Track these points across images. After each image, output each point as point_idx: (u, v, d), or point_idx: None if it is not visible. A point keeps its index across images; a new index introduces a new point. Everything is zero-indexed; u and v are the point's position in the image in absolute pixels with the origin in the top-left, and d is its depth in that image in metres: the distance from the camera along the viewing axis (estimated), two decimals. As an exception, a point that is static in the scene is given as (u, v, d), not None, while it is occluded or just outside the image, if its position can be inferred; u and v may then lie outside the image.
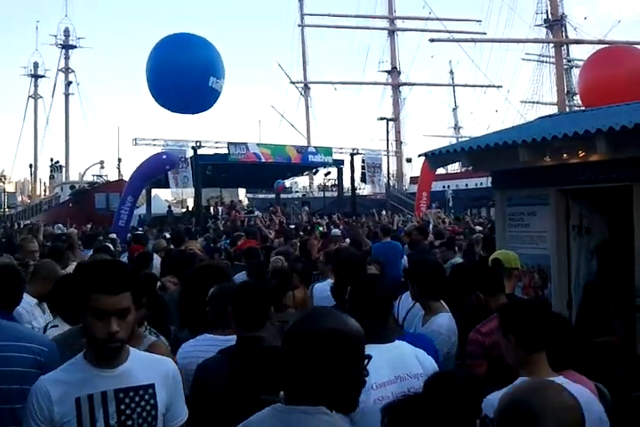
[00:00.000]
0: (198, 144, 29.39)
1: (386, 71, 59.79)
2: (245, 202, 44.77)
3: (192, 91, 16.00)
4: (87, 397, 2.14)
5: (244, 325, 2.89)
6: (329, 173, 36.99)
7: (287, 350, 1.69)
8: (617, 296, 5.41)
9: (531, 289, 6.31)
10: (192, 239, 12.25)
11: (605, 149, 5.34)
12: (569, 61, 49.23)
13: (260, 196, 48.41)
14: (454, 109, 72.27)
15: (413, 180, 41.33)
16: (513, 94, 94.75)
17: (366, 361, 1.70)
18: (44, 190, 58.37)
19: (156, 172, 21.49)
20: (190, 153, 28.87)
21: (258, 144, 32.07)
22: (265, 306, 2.98)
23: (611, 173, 5.69)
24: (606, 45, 27.56)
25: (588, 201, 6.24)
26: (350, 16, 58.31)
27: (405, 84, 59.49)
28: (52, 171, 51.62)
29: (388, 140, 36.43)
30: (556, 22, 46.06)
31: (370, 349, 2.81)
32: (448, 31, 51.05)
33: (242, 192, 49.75)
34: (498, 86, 54.13)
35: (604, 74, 17.00)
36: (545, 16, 46.78)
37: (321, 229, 17.18)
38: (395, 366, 2.64)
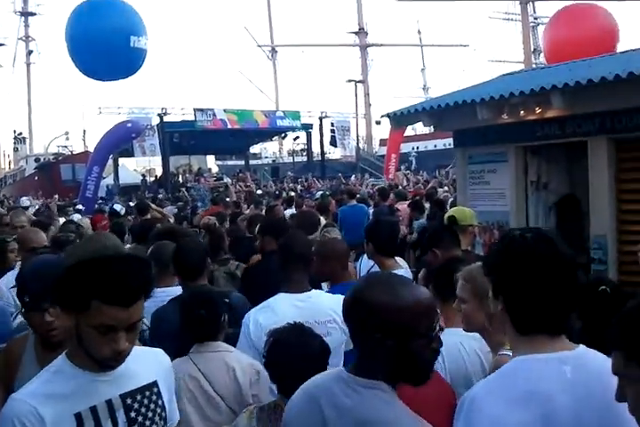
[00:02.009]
0: (164, 111, 29.01)
1: (353, 32, 59.03)
2: (215, 169, 44.35)
3: (115, 53, 15.59)
4: (89, 410, 1.74)
5: (186, 276, 3.43)
6: (298, 137, 36.84)
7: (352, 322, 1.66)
8: (573, 250, 5.53)
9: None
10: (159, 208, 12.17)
11: (561, 105, 5.39)
12: (535, 19, 49.03)
13: (230, 162, 48.00)
14: (423, 70, 71.85)
15: (383, 142, 41.26)
16: (481, 53, 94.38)
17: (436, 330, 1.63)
18: (9, 163, 57.16)
19: (121, 141, 21.17)
20: (156, 120, 28.50)
21: (225, 110, 31.70)
22: (201, 259, 3.46)
23: (567, 129, 5.75)
24: (571, 2, 27.48)
25: (546, 157, 6.32)
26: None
27: (373, 44, 58.83)
28: (15, 143, 50.43)
29: (356, 102, 36.16)
30: (522, -21, 45.69)
31: (281, 296, 3.07)
32: (414, -10, 50.50)
33: (211, 159, 49.31)
34: (465, 45, 54.04)
35: (567, 32, 17.03)
36: (511, -28, 46.38)
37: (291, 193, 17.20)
38: (302, 313, 2.91)
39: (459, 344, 2.52)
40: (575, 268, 1.65)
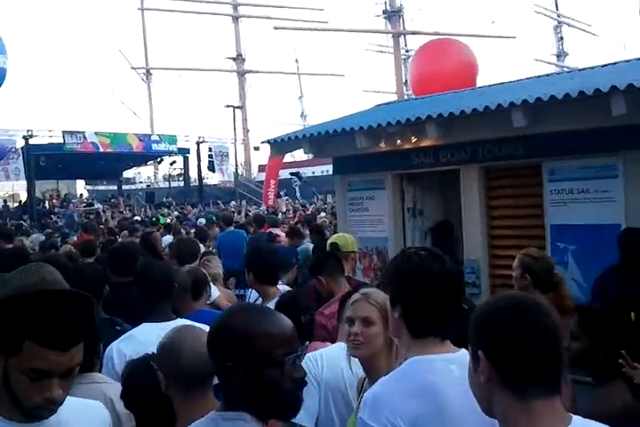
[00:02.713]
0: (30, 133, 27.40)
1: (231, 58, 59.16)
2: (85, 194, 42.43)
3: None
4: None
5: None
6: (174, 162, 36.04)
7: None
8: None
9: (371, 271, 6.52)
10: (24, 235, 11.40)
11: (435, 135, 5.60)
12: (407, 51, 51.53)
13: (101, 187, 46.12)
14: (300, 98, 73.22)
15: (262, 168, 41.37)
16: (356, 83, 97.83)
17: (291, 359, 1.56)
18: None
19: (-19, 163, 19.75)
20: (21, 143, 26.86)
21: (96, 133, 30.45)
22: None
23: (441, 158, 5.98)
24: (437, 37, 29.13)
25: (422, 184, 6.54)
26: (193, 0, 56.94)
27: (251, 71, 59.22)
28: None
29: (234, 128, 36.07)
30: (394, 13, 48.01)
31: (145, 326, 3.02)
32: (292, 19, 51.59)
33: (81, 184, 47.14)
34: (340, 75, 55.69)
35: (431, 65, 17.91)
36: (384, 7, 48.65)
37: (167, 220, 16.71)
38: None
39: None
40: (461, 280, 2.00)
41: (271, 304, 3.92)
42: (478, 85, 9.18)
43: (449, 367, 1.76)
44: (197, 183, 35.98)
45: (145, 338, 2.86)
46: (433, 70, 17.48)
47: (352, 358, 2.33)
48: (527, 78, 6.93)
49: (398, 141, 6.17)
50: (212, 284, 4.78)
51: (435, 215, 6.61)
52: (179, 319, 3.10)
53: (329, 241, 4.72)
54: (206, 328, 1.73)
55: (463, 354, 1.70)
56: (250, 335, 1.53)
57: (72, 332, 1.50)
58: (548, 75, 7.46)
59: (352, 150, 6.47)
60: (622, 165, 4.67)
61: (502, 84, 6.97)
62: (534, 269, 3.87)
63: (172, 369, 1.95)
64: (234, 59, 59.09)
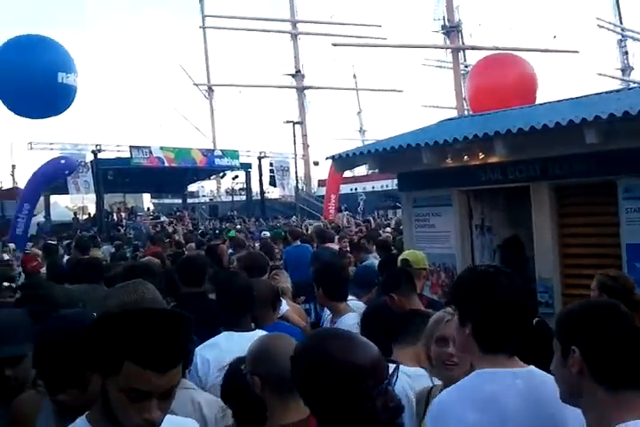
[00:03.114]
0: (98, 148, 28.43)
1: (290, 74, 59.98)
2: (151, 207, 43.57)
3: (42, 90, 15.33)
4: None
5: None
6: (237, 176, 36.69)
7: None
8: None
9: (438, 287, 6.47)
10: (96, 247, 11.81)
11: (503, 151, 5.55)
12: (466, 66, 51.15)
13: (166, 201, 47.32)
14: (359, 113, 73.46)
15: (321, 182, 41.63)
16: (415, 98, 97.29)
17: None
18: None
19: (53, 177, 20.59)
20: (90, 157, 27.87)
21: (161, 147, 31.35)
22: None
23: (509, 174, 5.92)
24: (495, 52, 28.77)
25: (489, 201, 6.47)
26: (253, 19, 58.13)
27: (310, 87, 59.87)
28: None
29: (295, 143, 36.51)
30: (452, 29, 47.80)
31: (228, 335, 3.10)
32: (350, 36, 51.99)
33: (146, 197, 48.47)
34: (399, 91, 55.55)
35: (489, 79, 17.64)
36: (442, 23, 48.45)
37: (234, 234, 16.98)
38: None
39: None
40: (529, 298, 1.97)
41: (343, 319, 3.96)
42: (539, 101, 9.06)
43: (514, 381, 1.80)
44: (259, 197, 36.47)
45: (228, 346, 2.97)
46: (491, 85, 17.25)
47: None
48: (596, 94, 6.80)
49: (465, 157, 6.14)
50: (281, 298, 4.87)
51: (503, 232, 6.52)
52: (258, 330, 3.17)
53: (400, 257, 4.72)
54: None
55: (531, 370, 1.83)
56: (343, 368, 1.48)
57: (172, 353, 1.47)
58: (617, 90, 7.30)
59: (417, 166, 6.47)
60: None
61: (570, 99, 6.85)
62: (613, 289, 3.77)
63: (268, 373, 2.00)
64: (293, 75, 59.84)
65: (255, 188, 37.47)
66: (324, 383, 1.49)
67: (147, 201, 47.67)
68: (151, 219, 29.60)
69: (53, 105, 16.48)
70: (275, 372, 1.98)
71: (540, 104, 7.59)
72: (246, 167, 35.14)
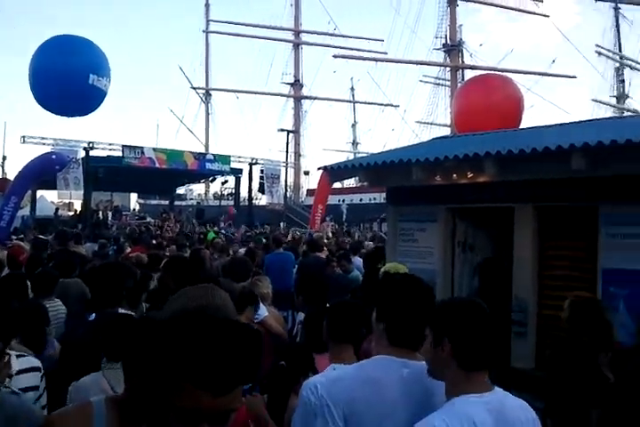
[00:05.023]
0: (91, 145, 28.38)
1: (289, 83, 60.26)
2: (137, 208, 43.42)
3: (72, 89, 15.46)
4: None
5: None
6: (226, 181, 36.71)
7: None
8: (495, 311, 5.71)
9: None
10: (78, 244, 11.78)
11: (492, 172, 5.65)
12: (463, 86, 51.57)
13: (153, 202, 47.19)
14: (353, 125, 73.78)
15: (310, 192, 41.76)
16: (410, 114, 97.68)
17: None
18: None
19: (43, 172, 20.50)
20: (81, 154, 27.80)
21: (154, 148, 31.36)
22: None
23: (496, 195, 6.01)
24: (484, 72, 28.97)
25: (474, 219, 6.57)
26: (257, 26, 58.45)
27: (307, 97, 60.18)
28: None
29: (287, 151, 36.62)
30: (453, 47, 48.39)
31: None
32: (351, 48, 52.40)
33: (133, 197, 48.31)
34: (395, 106, 55.99)
35: (475, 101, 17.64)
36: (444, 41, 48.99)
37: (214, 236, 16.97)
38: None
39: None
40: (432, 301, 2.32)
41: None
42: (534, 122, 9.21)
43: (401, 369, 2.22)
44: (247, 203, 36.49)
45: None
46: (476, 105, 17.25)
47: None
48: (587, 121, 6.93)
49: (454, 176, 6.24)
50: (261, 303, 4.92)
51: (485, 251, 6.61)
52: None
53: (382, 270, 4.79)
54: None
55: (422, 363, 2.19)
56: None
57: (233, 374, 1.24)
58: (608, 118, 7.45)
59: (407, 182, 6.55)
60: (681, 213, 4.64)
61: (562, 124, 6.98)
62: (583, 311, 3.87)
63: None
64: (292, 84, 60.14)
65: (244, 194, 37.55)
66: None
67: (133, 201, 47.54)
68: (137, 219, 29.49)
69: (84, 104, 16.67)
70: None
71: (531, 127, 7.71)
72: (237, 173, 35.18)
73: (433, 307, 2.24)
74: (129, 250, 11.33)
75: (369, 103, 62.12)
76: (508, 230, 5.92)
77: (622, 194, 4.98)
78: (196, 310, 1.41)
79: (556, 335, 4.62)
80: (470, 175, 6.09)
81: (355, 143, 73.27)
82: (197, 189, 54.56)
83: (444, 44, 49.00)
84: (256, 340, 1.30)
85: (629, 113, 44.31)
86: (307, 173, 55.36)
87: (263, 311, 4.94)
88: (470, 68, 47.94)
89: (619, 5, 46.52)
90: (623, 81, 54.39)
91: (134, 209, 40.29)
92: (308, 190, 49.70)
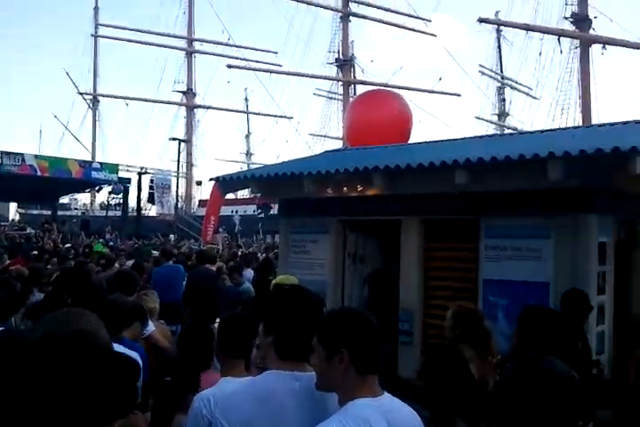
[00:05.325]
0: (-35, 152, 26.59)
1: (181, 92, 59.23)
2: (17, 217, 41.05)
3: None
4: None
5: None
6: (114, 190, 35.46)
7: None
8: (383, 321, 5.84)
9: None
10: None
11: (381, 185, 5.80)
12: (355, 100, 52.76)
13: (34, 211, 44.76)
14: (247, 136, 73.65)
15: (202, 203, 41.16)
16: (303, 126, 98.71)
17: None
18: None
19: None
20: (-45, 161, 26.00)
21: (36, 156, 29.80)
22: None
23: (384, 207, 6.17)
24: (376, 88, 29.84)
25: (364, 232, 6.70)
26: (149, 32, 57.13)
27: (200, 106, 59.39)
28: None
29: (179, 161, 35.93)
30: (346, 62, 49.47)
31: None
32: (246, 59, 52.37)
33: (13, 207, 45.64)
34: (289, 117, 56.35)
35: (365, 115, 18.12)
36: (336, 56, 50.05)
37: (101, 248, 16.33)
38: None
39: None
40: (320, 313, 2.30)
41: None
42: (423, 138, 9.56)
43: (293, 382, 2.19)
44: (135, 214, 35.41)
45: None
46: (366, 120, 17.71)
47: None
48: (471, 137, 7.29)
49: (345, 189, 6.34)
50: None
51: (374, 263, 6.76)
52: None
53: (273, 282, 4.77)
54: None
55: (311, 375, 2.16)
56: None
57: (107, 409, 1.17)
58: (490, 135, 7.86)
59: (299, 194, 6.59)
60: (553, 226, 4.95)
61: (448, 140, 7.30)
62: (465, 320, 4.03)
63: None
64: (184, 92, 59.19)
65: (133, 204, 36.43)
66: None
67: (13, 210, 44.90)
68: (16, 229, 27.87)
69: None
70: None
71: (419, 143, 8.01)
72: (125, 182, 34.08)
73: (320, 317, 2.24)
74: (7, 262, 10.66)
75: (263, 114, 62.15)
76: (396, 242, 6.09)
77: (501, 208, 5.26)
78: (65, 336, 1.28)
79: (439, 344, 4.79)
80: (360, 188, 6.22)
81: (248, 154, 73.12)
82: (82, 198, 52.35)
83: (336, 59, 50.05)
84: (132, 372, 1.23)
85: (509, 130, 47.04)
86: (199, 183, 54.56)
87: (150, 327, 4.81)
88: (362, 84, 49.13)
89: (500, 28, 49.32)
90: (504, 100, 57.71)
91: (13, 219, 38.01)
92: (200, 201, 48.96)
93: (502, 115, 57.16)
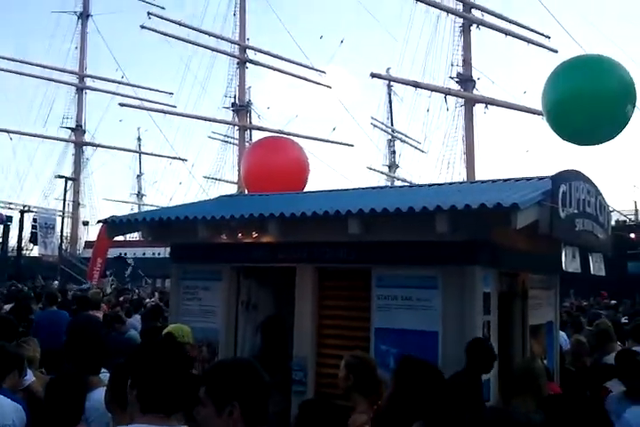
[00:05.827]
0: None
1: (69, 128, 57.39)
2: None
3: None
4: None
5: None
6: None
7: None
8: (276, 370, 5.78)
9: (198, 363, 6.38)
10: None
11: (275, 232, 5.82)
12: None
13: None
14: (139, 176, 72.14)
15: (89, 244, 39.51)
16: (198, 169, 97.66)
17: None
18: None
19: None
20: None
21: None
22: None
23: (279, 254, 6.19)
24: (272, 134, 30.38)
25: (258, 279, 6.67)
26: (38, 65, 55.29)
27: (89, 144, 57.67)
28: None
29: (65, 200, 34.46)
30: (242, 108, 49.97)
31: None
32: (139, 98, 51.66)
33: None
34: (183, 160, 55.69)
35: (263, 161, 18.38)
36: (233, 100, 50.48)
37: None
38: None
39: None
40: (188, 367, 2.41)
41: (91, 395, 3.72)
42: (317, 186, 9.78)
43: None
44: (16, 254, 33.45)
45: None
46: (266, 165, 17.90)
47: None
48: (364, 188, 7.52)
49: (239, 235, 6.32)
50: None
51: (268, 310, 6.72)
52: None
53: (165, 331, 4.64)
54: None
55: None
56: None
57: None
58: (382, 187, 8.15)
59: (192, 239, 6.49)
60: (441, 277, 5.16)
61: (342, 190, 7.49)
62: (358, 368, 4.09)
63: None
64: (73, 129, 57.45)
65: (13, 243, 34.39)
66: None
67: None
68: None
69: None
70: None
71: (314, 191, 8.17)
72: (6, 220, 32.25)
73: (188, 371, 2.28)
74: None
75: (156, 155, 61.14)
76: (290, 290, 6.10)
77: (391, 258, 5.42)
78: None
79: (332, 394, 4.80)
80: (255, 235, 6.22)
81: (140, 195, 71.54)
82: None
83: (232, 104, 50.46)
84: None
85: (399, 181, 48.90)
86: (86, 223, 52.49)
87: (30, 376, 4.55)
88: (258, 129, 49.71)
89: (391, 83, 51.70)
90: (394, 152, 60.26)
91: None
92: (86, 242, 46.99)
93: (392, 166, 59.55)
